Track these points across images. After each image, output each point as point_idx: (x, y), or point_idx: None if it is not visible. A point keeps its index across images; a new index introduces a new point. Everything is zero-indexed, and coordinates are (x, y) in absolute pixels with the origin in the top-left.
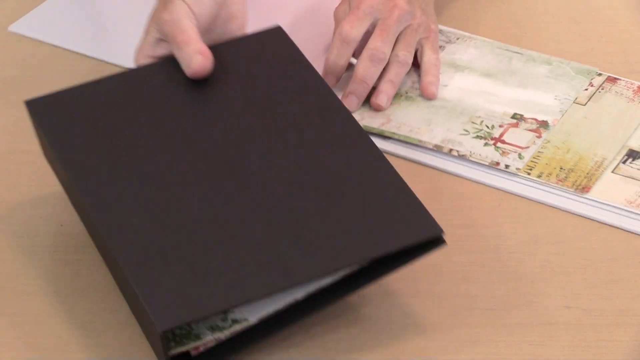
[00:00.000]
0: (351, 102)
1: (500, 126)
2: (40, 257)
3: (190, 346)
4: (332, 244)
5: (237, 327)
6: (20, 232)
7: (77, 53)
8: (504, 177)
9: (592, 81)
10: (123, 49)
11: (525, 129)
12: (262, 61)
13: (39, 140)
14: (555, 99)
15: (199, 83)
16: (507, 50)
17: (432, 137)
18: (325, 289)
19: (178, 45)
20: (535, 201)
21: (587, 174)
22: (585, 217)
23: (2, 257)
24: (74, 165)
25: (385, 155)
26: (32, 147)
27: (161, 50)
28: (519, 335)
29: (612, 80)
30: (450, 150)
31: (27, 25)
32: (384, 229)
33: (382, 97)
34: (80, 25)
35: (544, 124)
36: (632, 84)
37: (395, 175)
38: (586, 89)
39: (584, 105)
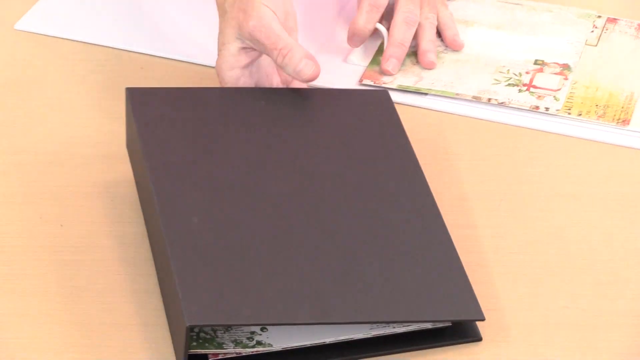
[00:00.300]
0: (393, 65)
1: (527, 73)
2: (40, 257)
3: (210, 351)
4: (375, 298)
5: (259, 349)
6: (20, 232)
7: (87, 43)
8: (546, 120)
9: (594, 23)
10: (129, 34)
11: (551, 73)
12: (362, 115)
13: (127, 129)
14: (568, 42)
15: (295, 118)
16: (506, 2)
17: (467, 89)
18: (352, 343)
19: (280, 52)
20: (578, 138)
21: (622, 107)
22: (628, 147)
23: (2, 257)
24: (154, 158)
25: (423, 110)
26: (33, 147)
27: (246, 59)
28: (519, 335)
29: (612, 20)
30: (489, 99)
31: (32, 22)
32: (430, 300)
33: (432, 55)
34: (86, 14)
35: (566, 67)
36: (631, 23)
37: (453, 251)
38: (592, 31)
39: (596, 46)
